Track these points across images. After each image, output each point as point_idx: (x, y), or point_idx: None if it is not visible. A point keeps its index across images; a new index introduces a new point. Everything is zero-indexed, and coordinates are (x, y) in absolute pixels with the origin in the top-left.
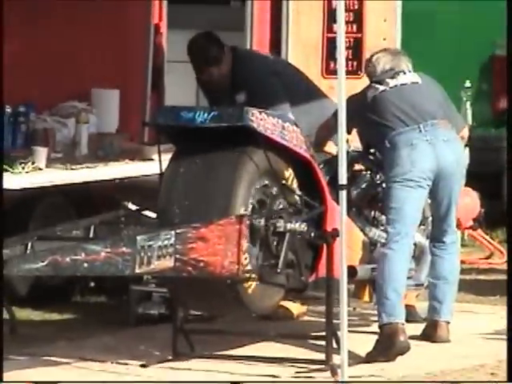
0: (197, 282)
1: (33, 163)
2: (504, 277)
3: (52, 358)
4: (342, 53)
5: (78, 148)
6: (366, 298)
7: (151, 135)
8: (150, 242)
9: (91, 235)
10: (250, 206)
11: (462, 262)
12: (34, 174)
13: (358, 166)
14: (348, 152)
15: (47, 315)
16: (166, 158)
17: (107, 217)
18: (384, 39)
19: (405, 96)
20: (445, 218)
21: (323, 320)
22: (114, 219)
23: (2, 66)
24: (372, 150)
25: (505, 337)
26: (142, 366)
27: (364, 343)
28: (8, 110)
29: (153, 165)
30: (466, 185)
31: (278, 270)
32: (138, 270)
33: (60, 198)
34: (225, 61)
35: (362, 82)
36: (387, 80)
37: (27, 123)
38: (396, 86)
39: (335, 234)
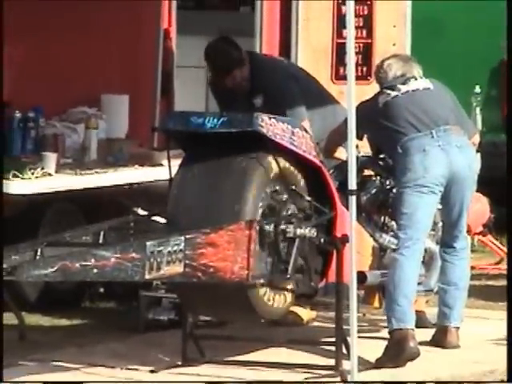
0: (206, 287)
1: (42, 169)
2: None
3: (61, 364)
4: (351, 58)
5: (87, 153)
6: (376, 303)
7: (161, 141)
8: (160, 248)
9: (101, 241)
10: (260, 212)
11: (472, 267)
12: (44, 180)
13: (367, 172)
14: (358, 157)
15: (56, 321)
16: (176, 163)
17: (117, 222)
18: (394, 45)
19: (417, 101)
20: (456, 224)
21: (333, 326)
22: (123, 225)
23: (2, 69)
24: (382, 156)
25: None
26: (152, 371)
27: (374, 349)
28: (18, 115)
29: (162, 170)
30: (476, 190)
31: (288, 276)
32: (147, 276)
33: (69, 203)
34: (246, 63)
35: (372, 87)
36: (399, 86)
37: (37, 129)
38: (408, 91)
39: (345, 239)
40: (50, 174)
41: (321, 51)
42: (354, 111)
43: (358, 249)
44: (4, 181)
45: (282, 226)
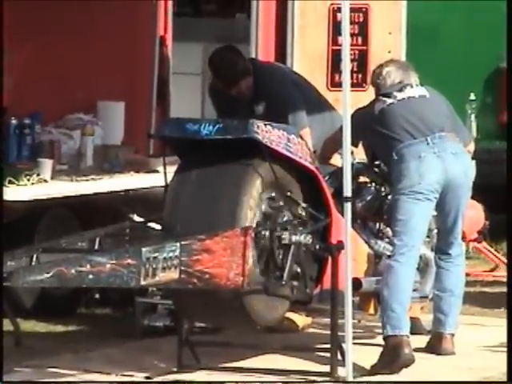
0: (202, 293)
1: (38, 175)
2: None
3: (57, 370)
4: (346, 65)
5: (83, 160)
6: (371, 310)
7: (156, 147)
8: (156, 254)
9: (96, 247)
10: (256, 218)
11: (467, 274)
12: (40, 186)
13: (363, 179)
14: (353, 164)
15: (52, 327)
16: (172, 170)
17: (112, 229)
18: (389, 52)
19: (413, 109)
20: (451, 231)
21: (328, 332)
22: (119, 231)
23: (2, 74)
24: (377, 163)
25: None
26: (147, 378)
27: (369, 355)
28: (14, 121)
29: (158, 177)
30: (471, 197)
31: (283, 282)
32: (143, 282)
33: (65, 209)
34: (251, 73)
35: (367, 94)
36: (395, 93)
37: (33, 135)
38: (404, 98)
39: (340, 246)
40: (45, 181)
41: (316, 58)
42: (350, 118)
43: (354, 255)
44: None
45: (278, 233)
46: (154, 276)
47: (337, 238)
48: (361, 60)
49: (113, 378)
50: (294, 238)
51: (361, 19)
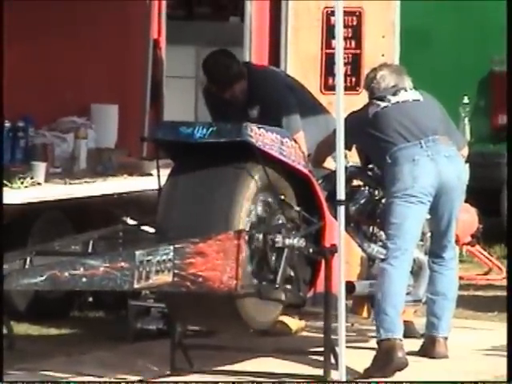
0: (195, 297)
1: (32, 178)
2: (502, 293)
3: (50, 373)
4: (340, 69)
5: (76, 163)
6: (365, 313)
7: (150, 150)
8: (149, 257)
9: (90, 250)
10: (249, 221)
11: (460, 277)
12: (33, 189)
13: (356, 182)
14: (346, 167)
15: (45, 330)
16: (165, 173)
17: (106, 232)
18: (382, 55)
19: (406, 112)
20: (445, 234)
21: (321, 335)
22: (112, 234)
23: (2, 77)
24: (371, 166)
25: (502, 352)
26: (140, 381)
27: (362, 359)
28: (7, 124)
29: (151, 180)
30: (465, 201)
31: (277, 286)
32: (136, 285)
33: (59, 212)
34: (245, 76)
35: (361, 97)
36: (388, 97)
37: (26, 138)
38: (397, 102)
39: (333, 249)
40: (39, 184)
41: (310, 61)
42: (343, 122)
43: (347, 259)
44: None
45: (271, 236)
46: (148, 279)
47: (330, 241)
48: (354, 63)
49: (106, 380)
50: (288, 242)
51: (354, 22)
